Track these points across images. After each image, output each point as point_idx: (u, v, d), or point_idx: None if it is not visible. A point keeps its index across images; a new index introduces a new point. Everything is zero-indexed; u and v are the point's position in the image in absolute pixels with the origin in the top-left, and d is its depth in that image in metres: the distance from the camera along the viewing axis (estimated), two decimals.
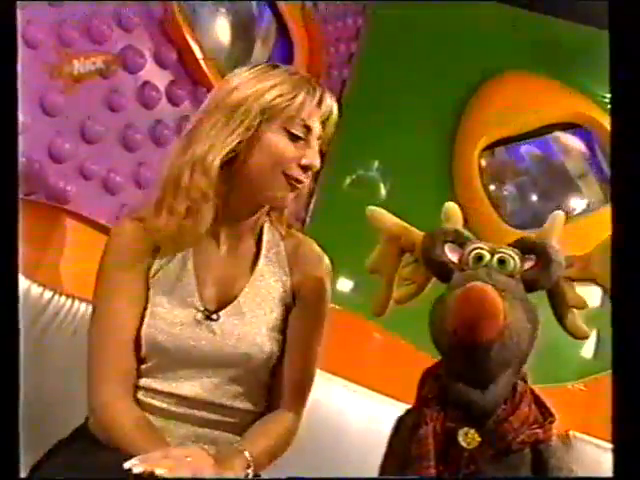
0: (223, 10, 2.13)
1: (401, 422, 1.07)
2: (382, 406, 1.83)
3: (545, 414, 0.99)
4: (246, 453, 1.08)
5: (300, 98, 1.16)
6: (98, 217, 1.74)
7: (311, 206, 2.58)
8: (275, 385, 1.24)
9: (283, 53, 2.41)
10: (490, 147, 2.74)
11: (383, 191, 2.76)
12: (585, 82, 2.69)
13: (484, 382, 0.94)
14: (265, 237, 1.25)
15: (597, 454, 2.00)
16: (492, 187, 2.77)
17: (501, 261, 0.98)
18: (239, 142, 1.14)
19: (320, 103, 1.18)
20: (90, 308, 1.61)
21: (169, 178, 1.17)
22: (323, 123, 1.20)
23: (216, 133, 1.14)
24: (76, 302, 1.60)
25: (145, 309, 1.16)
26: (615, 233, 0.80)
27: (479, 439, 0.93)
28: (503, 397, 0.95)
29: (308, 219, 2.57)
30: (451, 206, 1.11)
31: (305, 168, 1.17)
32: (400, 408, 1.13)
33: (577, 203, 2.80)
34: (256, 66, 1.21)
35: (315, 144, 1.19)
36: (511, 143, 2.76)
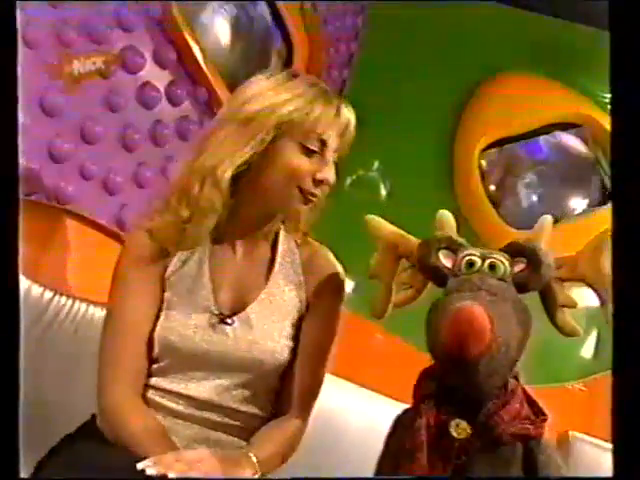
0: (223, 10, 2.13)
1: (398, 422, 1.10)
2: (382, 406, 1.83)
3: (537, 412, 1.02)
4: (253, 457, 1.09)
5: (316, 113, 1.15)
6: (98, 217, 1.74)
7: None
8: (283, 391, 1.24)
9: (283, 53, 2.41)
10: (490, 147, 2.75)
11: (383, 191, 2.76)
12: (585, 82, 2.69)
13: (475, 396, 1.00)
14: (280, 245, 1.25)
15: (597, 454, 2.00)
16: (492, 187, 2.78)
17: (492, 266, 1.03)
18: (251, 155, 1.14)
19: (337, 116, 1.17)
20: (90, 308, 1.62)
21: (178, 184, 1.17)
22: (341, 135, 1.19)
23: (228, 145, 1.14)
24: (77, 302, 1.60)
25: (160, 310, 1.17)
26: (615, 233, 0.80)
27: (470, 431, 0.98)
28: (493, 390, 1.00)
29: None
30: (444, 214, 1.15)
31: (319, 182, 1.17)
32: (400, 408, 1.13)
33: (577, 203, 2.80)
34: (274, 75, 1.20)
35: (330, 158, 1.18)
36: (511, 143, 2.76)
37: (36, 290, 1.54)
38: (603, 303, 1.03)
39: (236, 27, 2.18)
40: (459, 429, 0.98)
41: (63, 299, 1.58)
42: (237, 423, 1.19)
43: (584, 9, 2.50)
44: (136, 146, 1.81)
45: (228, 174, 1.13)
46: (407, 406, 1.11)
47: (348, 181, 2.74)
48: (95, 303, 1.64)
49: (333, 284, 1.25)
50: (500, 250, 1.05)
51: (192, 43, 1.92)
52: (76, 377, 1.56)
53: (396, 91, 2.66)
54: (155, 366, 1.18)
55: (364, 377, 1.97)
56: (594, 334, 2.52)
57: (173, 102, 1.92)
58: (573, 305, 1.06)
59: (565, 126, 2.76)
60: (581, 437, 2.11)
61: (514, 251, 1.04)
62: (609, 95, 2.33)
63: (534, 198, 2.80)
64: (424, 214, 1.24)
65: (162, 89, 1.87)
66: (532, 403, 1.03)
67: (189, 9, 1.93)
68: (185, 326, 1.15)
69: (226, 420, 1.18)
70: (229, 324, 1.17)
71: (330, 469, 1.58)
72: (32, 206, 1.52)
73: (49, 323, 1.55)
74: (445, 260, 1.06)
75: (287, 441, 1.19)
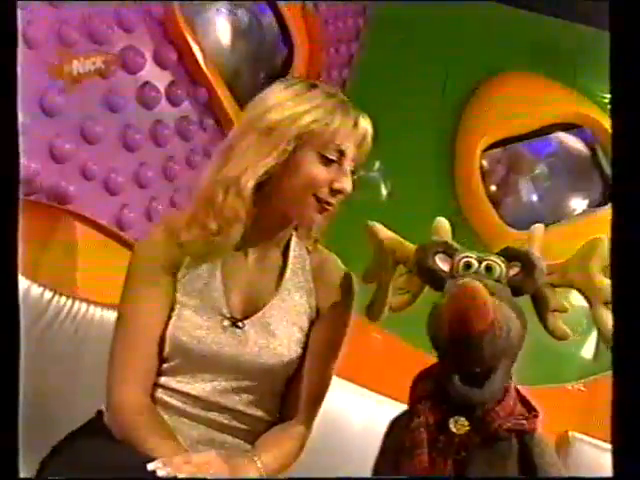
0: (224, 10, 2.13)
1: (395, 423, 1.13)
2: (381, 406, 1.83)
3: (530, 409, 1.06)
4: (258, 462, 1.11)
5: (335, 124, 1.16)
6: (98, 217, 1.74)
7: None
8: (289, 395, 1.26)
9: (284, 54, 2.41)
10: (491, 147, 2.75)
11: (384, 191, 2.77)
12: (585, 82, 2.69)
13: (479, 376, 1.02)
14: (292, 251, 1.26)
15: (597, 454, 2.00)
16: (493, 187, 2.78)
17: (488, 268, 1.06)
18: (274, 165, 1.15)
19: (355, 127, 1.18)
20: (90, 308, 1.62)
21: (203, 195, 1.18)
22: (358, 145, 1.20)
23: (251, 155, 1.15)
24: (77, 302, 1.60)
25: (171, 311, 1.18)
26: (615, 233, 0.80)
27: (468, 427, 1.01)
28: (498, 393, 1.04)
29: None
30: (440, 221, 1.18)
31: (336, 192, 1.18)
32: (399, 408, 1.14)
33: (577, 203, 2.80)
34: (293, 84, 1.21)
35: (348, 168, 1.19)
36: (511, 143, 2.77)
37: (36, 290, 1.54)
38: (592, 307, 1.06)
39: (236, 27, 2.18)
40: (458, 425, 1.02)
41: (63, 299, 1.58)
42: (243, 426, 1.20)
43: (584, 9, 2.50)
44: (136, 146, 1.81)
45: (251, 183, 1.15)
46: (405, 405, 1.12)
47: None
48: (95, 303, 1.64)
49: (343, 292, 1.27)
50: (495, 254, 1.08)
51: (192, 43, 1.92)
52: (76, 377, 1.56)
53: (396, 91, 2.66)
54: (165, 365, 1.19)
55: (363, 376, 1.97)
56: (594, 334, 2.52)
57: (173, 102, 1.92)
58: (564, 310, 1.09)
59: (565, 126, 2.76)
60: (581, 437, 2.11)
61: (509, 255, 1.07)
62: (609, 95, 2.33)
63: (534, 198, 2.81)
64: (425, 214, 1.24)
65: (162, 89, 1.87)
66: (524, 401, 1.07)
67: (190, 9, 1.93)
68: (197, 327, 1.17)
69: (232, 422, 1.19)
70: (240, 327, 1.19)
71: (329, 469, 1.58)
72: (32, 206, 1.52)
73: (49, 323, 1.55)
74: (442, 264, 1.09)
75: (292, 446, 1.21)
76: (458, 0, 2.60)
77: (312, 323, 1.25)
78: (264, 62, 2.35)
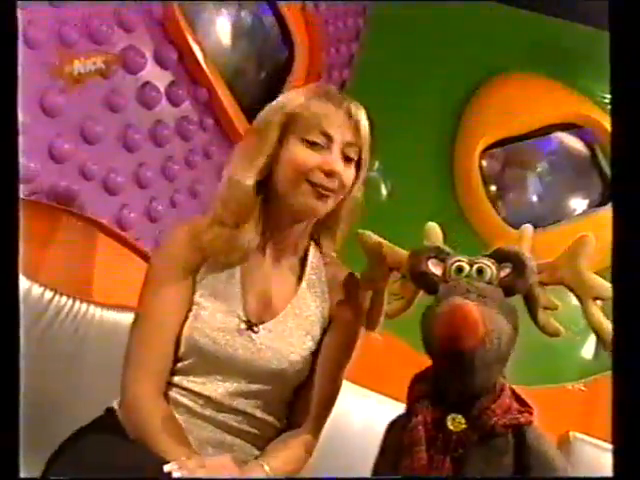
0: (224, 11, 2.13)
1: (393, 424, 1.15)
2: (382, 406, 1.83)
3: (524, 406, 1.08)
4: (266, 467, 1.12)
5: (317, 108, 1.19)
6: (98, 217, 1.74)
7: None
8: (297, 403, 1.28)
9: (284, 54, 2.41)
10: (491, 147, 2.75)
11: (383, 191, 2.76)
12: (585, 82, 2.69)
13: (468, 392, 1.05)
14: (310, 262, 1.28)
15: (597, 454, 2.00)
16: (493, 188, 2.77)
17: (479, 271, 1.08)
18: (267, 159, 1.19)
19: (339, 108, 1.20)
20: (90, 308, 1.62)
21: (218, 196, 1.23)
22: (349, 127, 1.20)
23: (249, 152, 1.21)
24: (77, 302, 1.60)
25: (189, 311, 1.20)
26: (615, 233, 0.80)
27: (465, 425, 1.03)
28: (491, 389, 1.06)
29: None
30: (431, 226, 1.20)
31: (328, 174, 1.18)
32: (400, 408, 1.14)
33: (577, 203, 2.80)
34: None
35: (337, 150, 1.19)
36: (511, 143, 2.76)
37: (36, 290, 1.54)
38: (582, 304, 1.08)
39: (237, 27, 2.18)
40: (455, 422, 1.04)
41: (63, 299, 1.58)
42: (252, 429, 1.22)
43: (584, 9, 2.50)
44: (136, 146, 1.81)
45: (250, 181, 1.18)
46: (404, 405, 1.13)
47: None
48: (95, 303, 1.64)
49: (356, 303, 1.28)
50: (486, 256, 1.11)
51: (193, 43, 1.92)
52: (76, 377, 1.57)
53: (396, 91, 2.66)
54: (179, 364, 1.20)
55: (363, 377, 1.97)
56: (594, 334, 2.51)
57: (173, 102, 1.92)
58: (554, 307, 1.11)
59: (565, 126, 2.75)
60: (581, 437, 2.11)
61: (500, 257, 1.09)
62: (609, 95, 2.33)
63: (534, 198, 2.80)
64: (425, 215, 1.24)
65: (162, 89, 1.87)
66: (519, 399, 1.09)
67: (190, 9, 1.93)
68: (212, 329, 1.18)
69: (242, 425, 1.20)
70: (255, 332, 1.20)
71: (329, 469, 1.57)
72: (32, 206, 1.52)
73: (49, 323, 1.55)
74: (434, 268, 1.11)
75: (300, 452, 1.21)
76: (458, 0, 2.60)
77: (324, 331, 1.27)
78: (264, 62, 2.35)
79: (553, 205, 2.78)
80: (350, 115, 1.20)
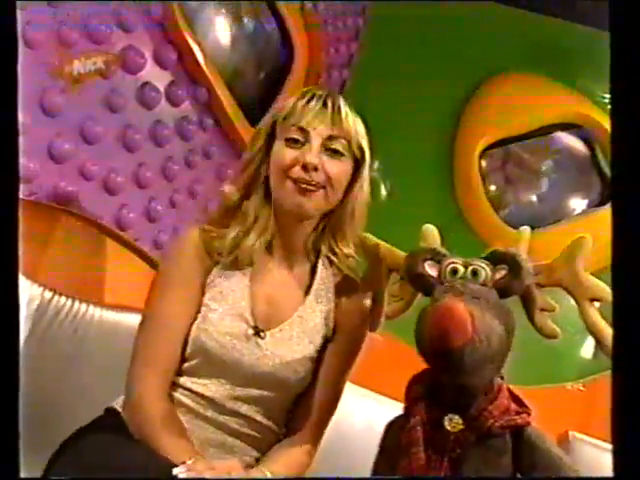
0: (223, 11, 2.13)
1: (391, 425, 1.17)
2: (382, 406, 1.83)
3: (522, 407, 1.09)
4: (267, 472, 1.13)
5: (290, 104, 1.22)
6: (98, 217, 1.74)
7: None
8: (296, 410, 1.28)
9: (283, 54, 2.41)
10: (490, 147, 2.75)
11: (383, 191, 2.76)
12: (585, 82, 2.69)
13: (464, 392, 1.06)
14: (319, 272, 1.29)
15: (597, 454, 2.00)
16: (492, 188, 2.77)
17: (474, 272, 1.09)
18: (259, 165, 1.23)
19: (311, 100, 1.21)
20: (90, 308, 1.62)
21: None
22: (339, 125, 1.21)
23: (247, 157, 1.26)
24: (77, 302, 1.60)
25: (197, 312, 1.20)
26: (615, 233, 0.80)
27: (462, 425, 1.04)
28: (488, 387, 1.07)
29: None
30: (428, 227, 1.21)
31: (305, 168, 1.18)
32: (400, 408, 1.15)
33: (577, 203, 2.80)
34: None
35: (317, 145, 1.20)
36: (511, 143, 2.76)
37: (36, 290, 1.54)
38: (578, 305, 1.08)
39: (236, 27, 2.18)
40: (453, 423, 1.05)
41: (63, 299, 1.58)
42: (254, 433, 1.22)
43: (584, 9, 2.50)
44: (136, 146, 1.81)
45: (236, 194, 1.24)
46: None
47: None
48: (95, 303, 1.64)
49: (361, 315, 1.29)
50: (482, 258, 1.11)
51: (192, 43, 1.92)
52: (76, 377, 1.57)
53: (396, 91, 2.66)
54: (185, 365, 1.21)
55: (363, 377, 1.97)
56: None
57: (173, 102, 1.92)
58: (551, 309, 1.11)
59: (565, 126, 2.76)
60: (581, 437, 2.11)
61: (495, 259, 1.10)
62: (609, 95, 2.33)
63: (534, 198, 2.80)
64: (424, 215, 1.24)
65: (162, 89, 1.87)
66: (517, 400, 1.10)
67: (189, 9, 1.93)
68: (220, 332, 1.18)
69: (243, 428, 1.21)
70: (262, 337, 1.20)
71: (329, 469, 1.57)
72: (32, 206, 1.52)
73: (49, 323, 1.55)
74: (430, 270, 1.12)
75: (301, 458, 1.22)
76: (458, 0, 2.60)
77: (327, 340, 1.27)
78: (264, 62, 2.35)
79: (552, 205, 2.78)
80: (326, 106, 1.21)
